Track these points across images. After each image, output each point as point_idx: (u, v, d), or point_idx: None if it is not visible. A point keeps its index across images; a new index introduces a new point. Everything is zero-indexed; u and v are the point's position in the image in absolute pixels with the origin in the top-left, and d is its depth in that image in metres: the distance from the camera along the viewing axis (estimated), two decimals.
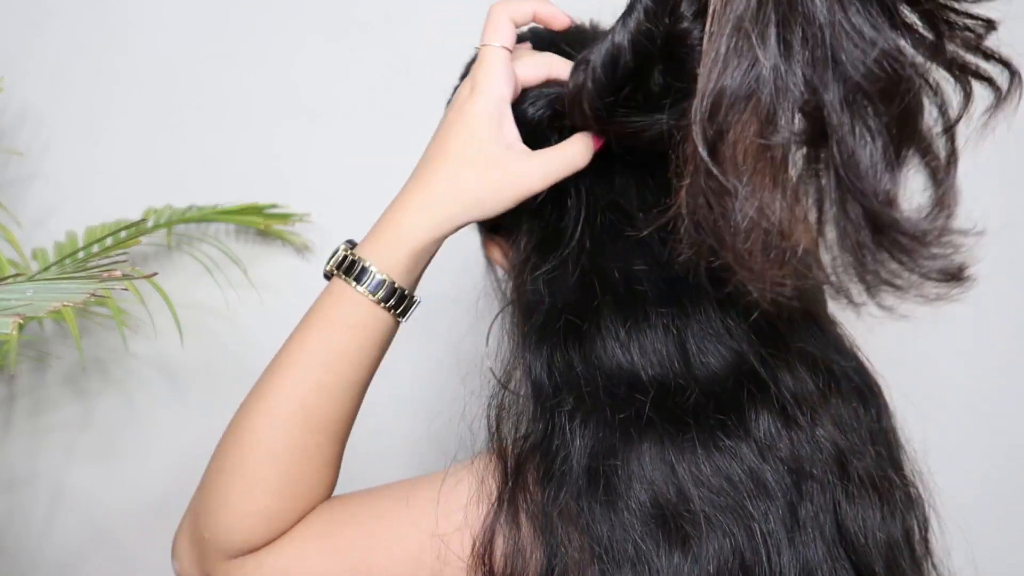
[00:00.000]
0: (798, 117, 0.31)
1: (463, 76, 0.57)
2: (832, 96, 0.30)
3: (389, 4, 0.90)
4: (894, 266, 0.32)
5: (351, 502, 0.48)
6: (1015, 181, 0.94)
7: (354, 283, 0.47)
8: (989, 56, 0.33)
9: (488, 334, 0.52)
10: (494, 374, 0.49)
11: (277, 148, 0.90)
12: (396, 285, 0.48)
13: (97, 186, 0.89)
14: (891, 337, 0.92)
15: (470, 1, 0.89)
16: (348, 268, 0.48)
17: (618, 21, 0.43)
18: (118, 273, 0.45)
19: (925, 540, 0.50)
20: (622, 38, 0.42)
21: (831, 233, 0.33)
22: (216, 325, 0.89)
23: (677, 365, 0.46)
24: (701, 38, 0.38)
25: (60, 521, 0.89)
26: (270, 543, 0.47)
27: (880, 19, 0.30)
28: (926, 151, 0.32)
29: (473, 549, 0.44)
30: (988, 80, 0.33)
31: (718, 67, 0.31)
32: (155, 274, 0.50)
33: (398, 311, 0.49)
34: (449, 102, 0.54)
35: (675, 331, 0.46)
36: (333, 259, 0.49)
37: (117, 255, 0.51)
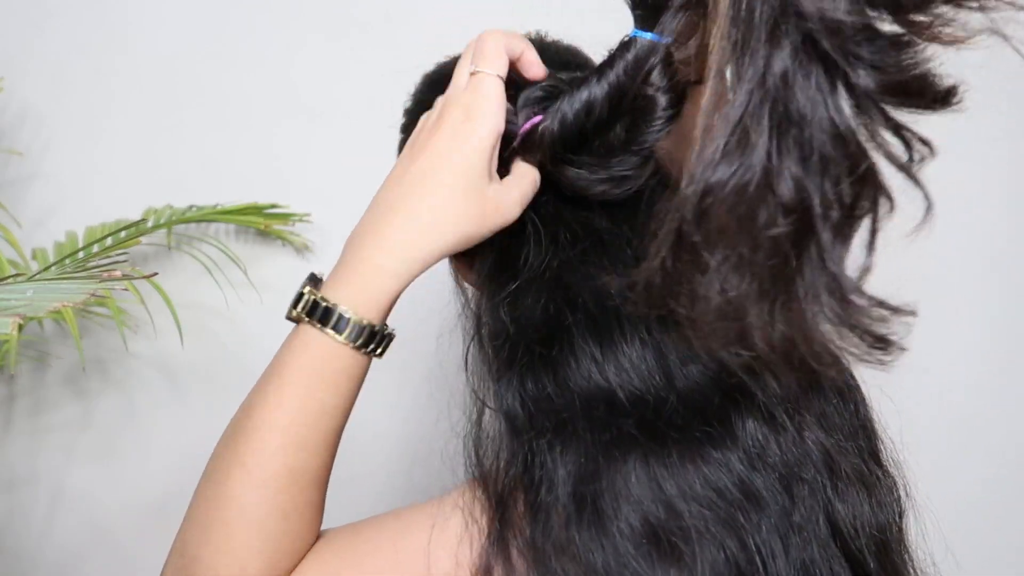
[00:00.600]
0: (780, 213, 0.33)
1: (424, 92, 0.56)
2: (817, 198, 0.32)
3: (389, 4, 0.90)
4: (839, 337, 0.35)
5: (339, 545, 0.46)
6: (1017, 181, 0.94)
7: (331, 332, 0.44)
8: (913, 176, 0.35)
9: (466, 357, 0.51)
10: (479, 399, 0.48)
11: (277, 148, 0.90)
12: (375, 327, 0.45)
13: (97, 186, 0.89)
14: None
15: (470, 1, 0.89)
16: (323, 316, 0.44)
17: (593, 73, 0.44)
18: (118, 273, 0.45)
19: (901, 527, 0.50)
20: (601, 90, 0.43)
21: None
22: (216, 325, 0.89)
23: (657, 379, 0.44)
24: (666, 110, 0.44)
25: (60, 521, 0.89)
26: None
27: (864, 120, 0.33)
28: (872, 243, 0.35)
29: None
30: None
31: (714, 159, 0.33)
32: (155, 274, 0.50)
33: (377, 351, 0.46)
34: (409, 118, 0.54)
35: (653, 344, 0.45)
36: (301, 304, 0.45)
37: (117, 255, 0.51)
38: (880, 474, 0.48)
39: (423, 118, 0.49)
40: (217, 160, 0.89)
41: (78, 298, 0.41)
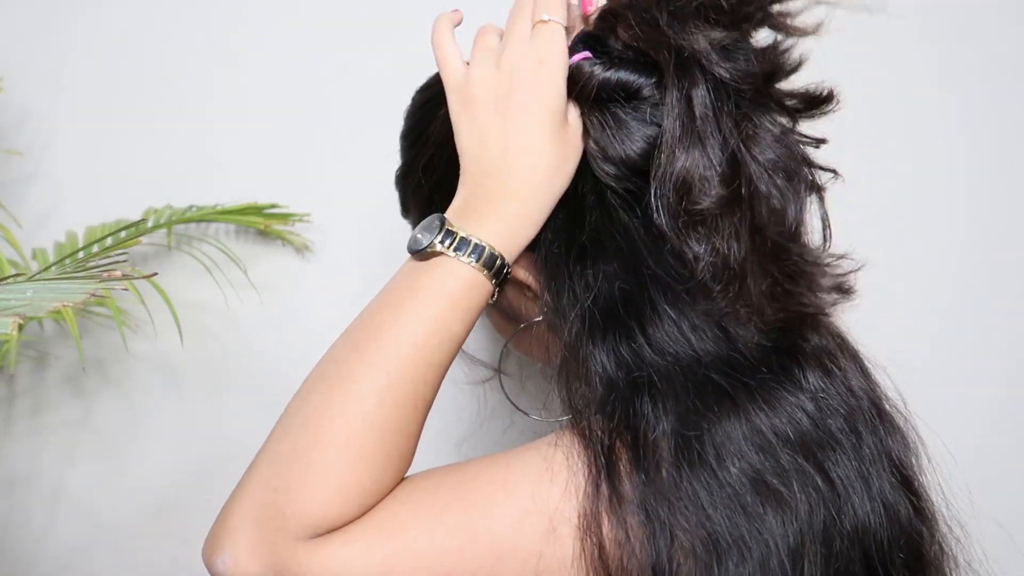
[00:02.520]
0: (719, 187, 0.46)
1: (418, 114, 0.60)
2: (752, 169, 0.47)
3: (390, 4, 0.90)
4: (798, 289, 0.47)
5: (434, 475, 0.47)
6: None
7: (494, 280, 0.48)
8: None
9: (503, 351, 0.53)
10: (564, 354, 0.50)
11: (277, 148, 0.90)
12: (509, 267, 0.49)
13: (97, 186, 0.89)
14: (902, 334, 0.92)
15: (470, 1, 0.89)
16: (494, 268, 0.48)
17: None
18: (118, 273, 0.45)
19: None
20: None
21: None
22: (216, 325, 0.89)
23: (723, 340, 0.48)
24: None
25: (60, 521, 0.89)
26: (355, 520, 0.45)
27: (776, 124, 0.49)
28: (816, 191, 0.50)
29: (579, 522, 0.44)
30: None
31: (685, 153, 0.47)
32: (155, 274, 0.50)
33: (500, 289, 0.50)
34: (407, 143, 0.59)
35: (708, 309, 0.48)
36: (472, 253, 0.48)
37: (117, 255, 0.51)
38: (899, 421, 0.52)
39: (482, 67, 0.50)
40: (217, 160, 0.89)
41: (78, 298, 0.41)
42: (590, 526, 0.43)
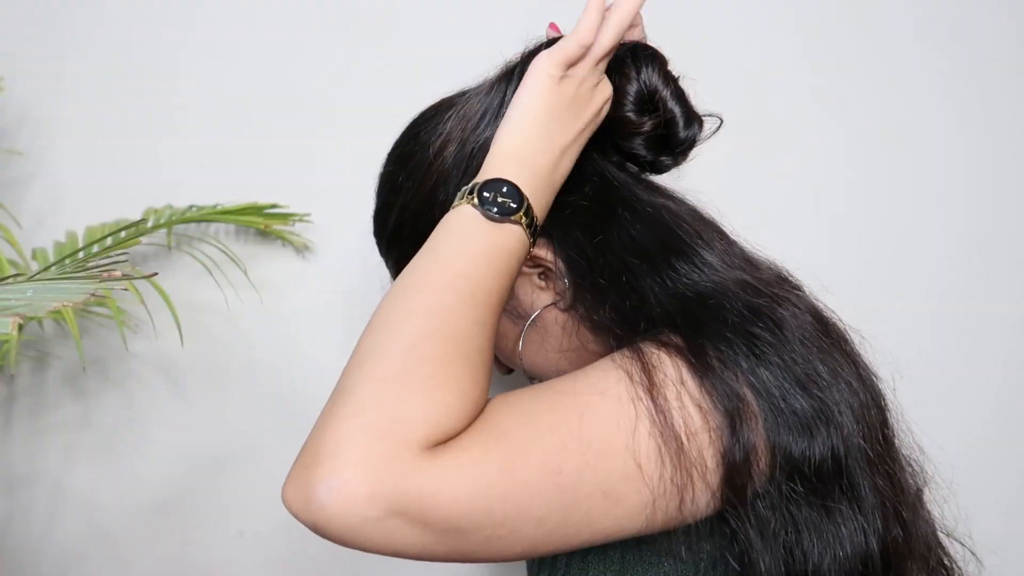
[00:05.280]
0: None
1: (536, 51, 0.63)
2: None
3: (389, 4, 0.90)
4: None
5: (517, 392, 0.50)
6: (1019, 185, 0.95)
7: (531, 238, 0.55)
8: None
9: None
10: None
11: (277, 148, 0.90)
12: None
13: (97, 186, 0.89)
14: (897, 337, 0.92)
15: (470, 1, 0.89)
16: (536, 239, 0.56)
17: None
18: (118, 273, 0.45)
19: None
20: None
21: None
22: (216, 325, 0.89)
23: (743, 270, 0.57)
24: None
25: (60, 521, 0.89)
26: (460, 434, 0.46)
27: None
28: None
29: (659, 417, 0.47)
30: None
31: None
32: (155, 274, 0.50)
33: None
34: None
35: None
36: (532, 229, 0.55)
37: (117, 255, 0.51)
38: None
39: (584, 73, 0.58)
40: (217, 160, 0.89)
41: (78, 298, 0.41)
42: (668, 421, 0.47)
